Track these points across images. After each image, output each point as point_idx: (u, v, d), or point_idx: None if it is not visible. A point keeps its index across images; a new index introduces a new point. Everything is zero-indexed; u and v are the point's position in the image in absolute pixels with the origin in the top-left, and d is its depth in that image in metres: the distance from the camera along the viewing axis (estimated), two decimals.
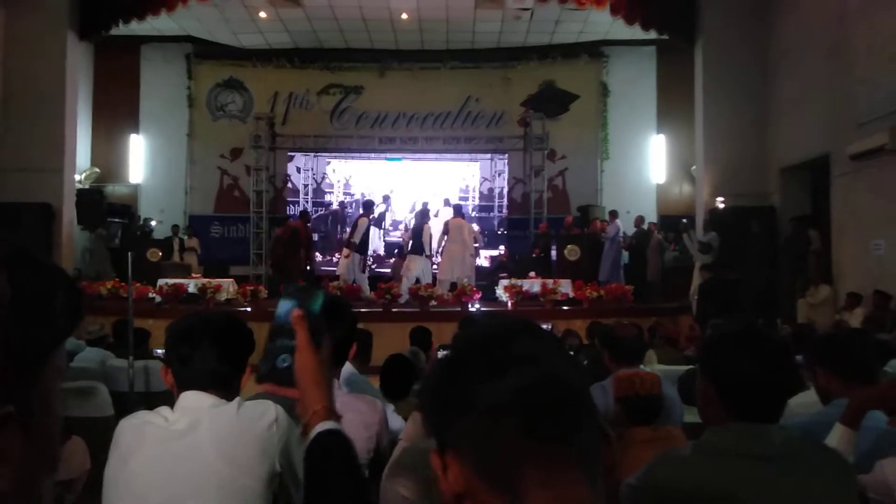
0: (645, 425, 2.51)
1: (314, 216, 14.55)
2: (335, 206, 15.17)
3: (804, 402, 2.51)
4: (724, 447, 1.49)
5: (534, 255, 12.52)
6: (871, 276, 8.36)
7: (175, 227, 13.21)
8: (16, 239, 0.70)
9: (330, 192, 15.24)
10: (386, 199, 14.11)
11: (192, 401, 1.67)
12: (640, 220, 12.72)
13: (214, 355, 1.71)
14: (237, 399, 1.72)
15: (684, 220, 12.36)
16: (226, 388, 1.73)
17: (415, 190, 14.72)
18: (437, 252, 11.53)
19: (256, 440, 1.61)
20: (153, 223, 12.79)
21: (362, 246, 11.41)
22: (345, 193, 15.24)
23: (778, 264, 10.50)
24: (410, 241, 11.59)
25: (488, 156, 15.19)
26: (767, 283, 10.29)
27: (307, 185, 15.16)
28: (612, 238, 11.94)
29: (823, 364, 2.27)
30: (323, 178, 15.23)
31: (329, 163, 15.28)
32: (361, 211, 11.85)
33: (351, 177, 15.24)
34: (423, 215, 11.66)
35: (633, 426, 2.51)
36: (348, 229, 13.13)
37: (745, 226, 10.65)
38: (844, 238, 9.23)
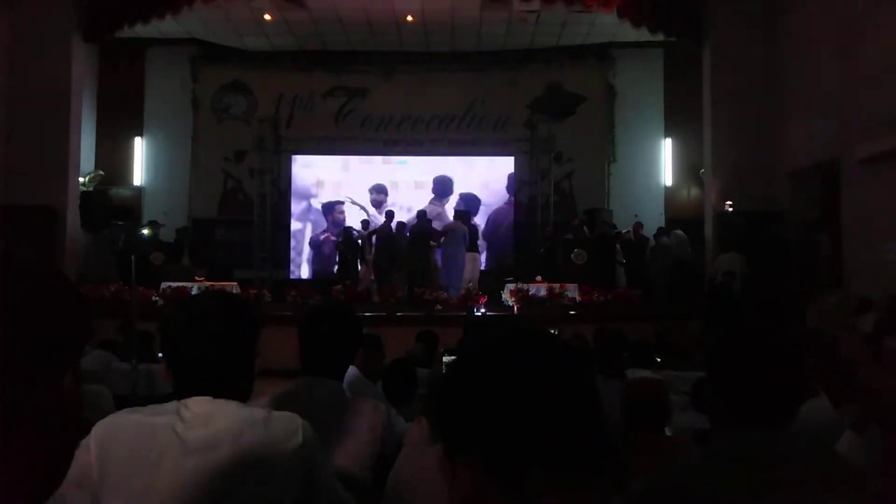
0: (652, 431, 2.50)
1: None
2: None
3: (815, 407, 2.48)
4: (732, 453, 1.48)
5: (542, 251, 12.46)
6: (882, 280, 8.27)
7: (185, 230, 13.17)
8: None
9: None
10: (390, 214, 13.93)
11: (212, 407, 1.53)
12: (639, 227, 12.68)
13: (216, 347, 1.55)
14: (266, 410, 1.60)
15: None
16: (235, 386, 1.59)
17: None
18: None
19: (280, 461, 1.52)
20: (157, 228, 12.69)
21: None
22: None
23: (787, 269, 10.43)
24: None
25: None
26: (776, 287, 10.22)
27: None
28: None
29: (832, 369, 2.23)
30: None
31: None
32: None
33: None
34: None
35: (640, 432, 2.49)
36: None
37: (754, 230, 10.59)
38: (855, 242, 9.14)
